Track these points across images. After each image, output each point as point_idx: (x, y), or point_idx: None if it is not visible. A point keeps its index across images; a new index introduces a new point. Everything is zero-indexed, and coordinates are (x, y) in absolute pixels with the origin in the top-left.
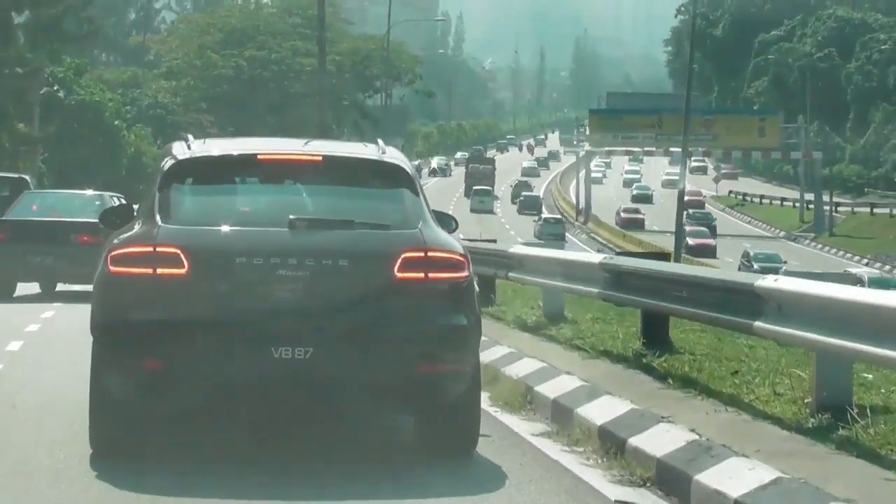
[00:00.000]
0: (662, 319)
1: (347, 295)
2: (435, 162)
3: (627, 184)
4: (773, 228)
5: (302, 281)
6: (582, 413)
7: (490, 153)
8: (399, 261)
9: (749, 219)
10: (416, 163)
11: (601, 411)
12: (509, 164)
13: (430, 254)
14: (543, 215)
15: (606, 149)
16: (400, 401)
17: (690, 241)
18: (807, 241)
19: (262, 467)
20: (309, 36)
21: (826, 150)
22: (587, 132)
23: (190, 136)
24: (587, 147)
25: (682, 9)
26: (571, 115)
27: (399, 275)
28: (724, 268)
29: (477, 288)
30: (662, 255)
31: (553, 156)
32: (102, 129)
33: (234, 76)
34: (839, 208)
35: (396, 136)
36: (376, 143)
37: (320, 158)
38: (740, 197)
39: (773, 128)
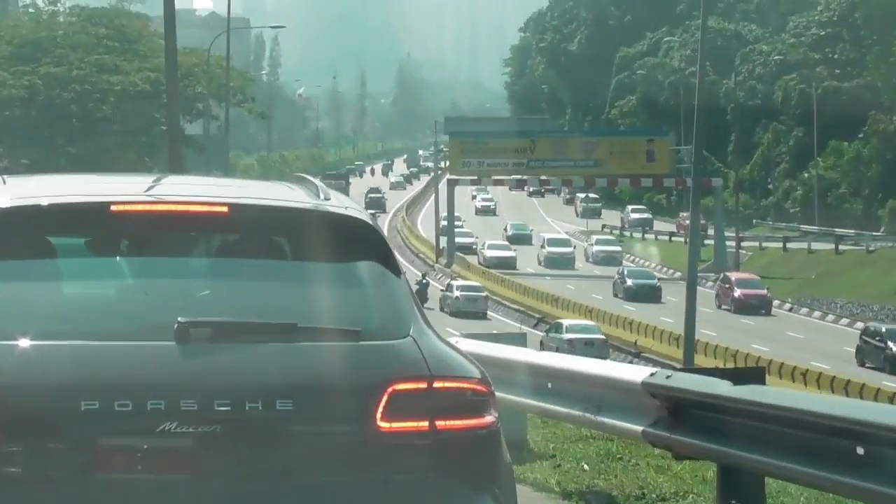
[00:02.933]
0: None
1: (291, 467)
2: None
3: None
4: (663, 268)
5: (207, 444)
6: None
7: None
8: (385, 399)
9: (632, 257)
10: None
11: None
12: (368, 187)
13: (436, 384)
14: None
15: (471, 178)
16: None
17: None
18: (709, 284)
19: None
20: (117, 49)
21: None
22: (444, 159)
23: None
24: (448, 176)
25: (526, 25)
26: (398, 145)
27: (384, 425)
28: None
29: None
30: None
31: (414, 175)
32: None
33: (27, 98)
34: (744, 243)
35: (215, 170)
36: (308, 182)
37: (226, 209)
38: (616, 232)
39: (663, 151)
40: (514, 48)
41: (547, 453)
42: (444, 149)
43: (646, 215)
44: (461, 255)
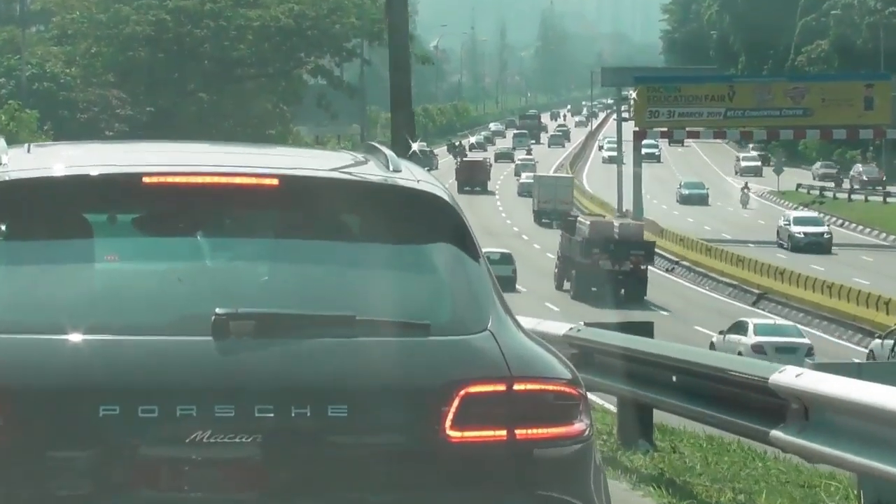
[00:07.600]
0: None
1: (345, 484)
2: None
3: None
4: (881, 234)
5: (246, 455)
6: None
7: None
8: (456, 403)
9: (841, 221)
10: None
11: None
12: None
13: (517, 386)
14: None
15: (659, 130)
16: None
17: None
18: None
19: None
20: None
21: None
22: (629, 108)
23: None
24: (633, 128)
25: None
26: (542, 100)
27: (454, 434)
28: None
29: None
30: None
31: (585, 122)
32: None
33: (153, 36)
34: None
35: (353, 123)
36: (378, 152)
37: (276, 181)
38: (816, 192)
39: (884, 97)
40: None
41: None
42: (630, 96)
43: (831, 170)
44: (650, 218)
